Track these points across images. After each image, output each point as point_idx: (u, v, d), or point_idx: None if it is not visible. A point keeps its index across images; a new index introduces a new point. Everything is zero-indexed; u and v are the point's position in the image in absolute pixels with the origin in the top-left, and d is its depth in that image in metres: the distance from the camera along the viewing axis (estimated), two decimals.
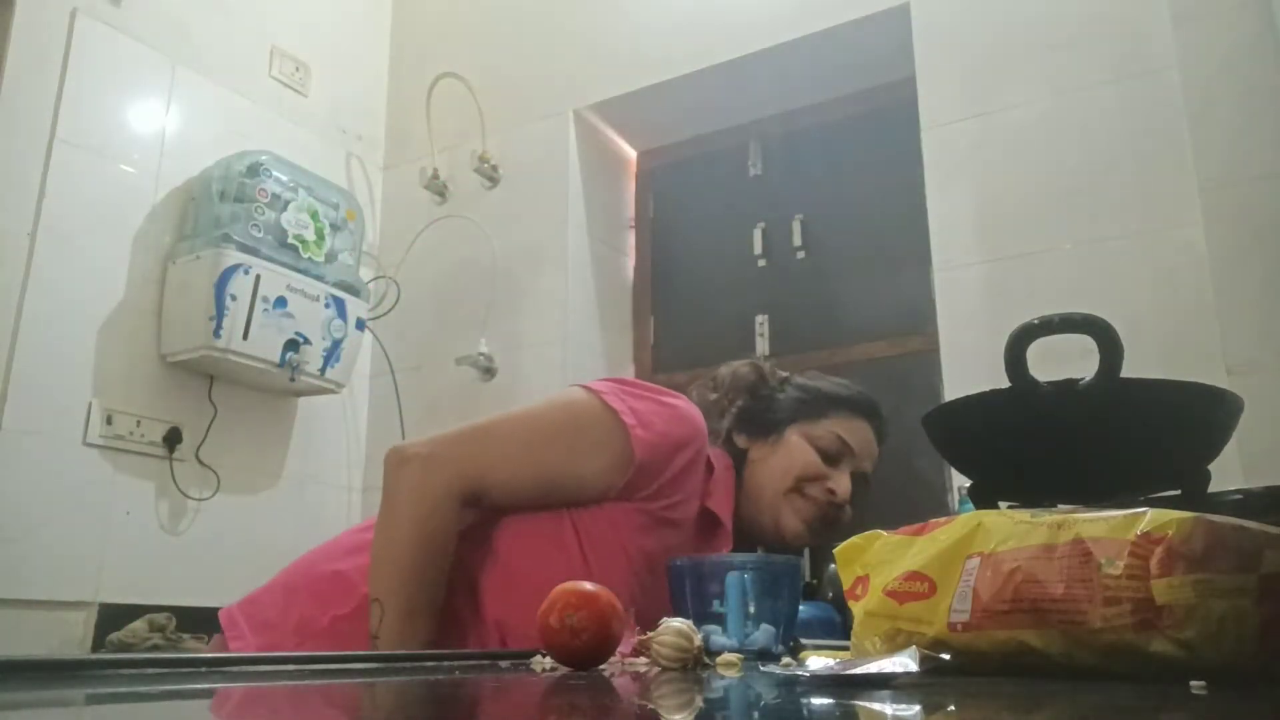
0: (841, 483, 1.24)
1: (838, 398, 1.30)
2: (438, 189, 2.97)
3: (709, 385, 1.37)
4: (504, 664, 0.85)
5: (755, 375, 1.34)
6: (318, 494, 2.76)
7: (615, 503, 1.13)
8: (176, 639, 2.11)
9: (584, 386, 1.18)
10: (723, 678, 0.70)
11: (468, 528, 1.12)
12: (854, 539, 0.74)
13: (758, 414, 1.30)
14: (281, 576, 1.22)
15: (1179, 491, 0.76)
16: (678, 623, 0.78)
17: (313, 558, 1.24)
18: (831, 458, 1.25)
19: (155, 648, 2.05)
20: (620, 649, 0.77)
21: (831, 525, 1.26)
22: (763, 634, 0.90)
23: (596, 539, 1.13)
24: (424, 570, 1.06)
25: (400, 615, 1.02)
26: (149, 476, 2.32)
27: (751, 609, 0.91)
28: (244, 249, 2.33)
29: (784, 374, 1.37)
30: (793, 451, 1.25)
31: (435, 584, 1.07)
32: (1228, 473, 1.43)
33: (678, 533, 1.18)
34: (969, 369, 2.01)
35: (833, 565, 1.16)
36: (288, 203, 2.46)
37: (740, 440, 1.29)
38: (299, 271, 2.46)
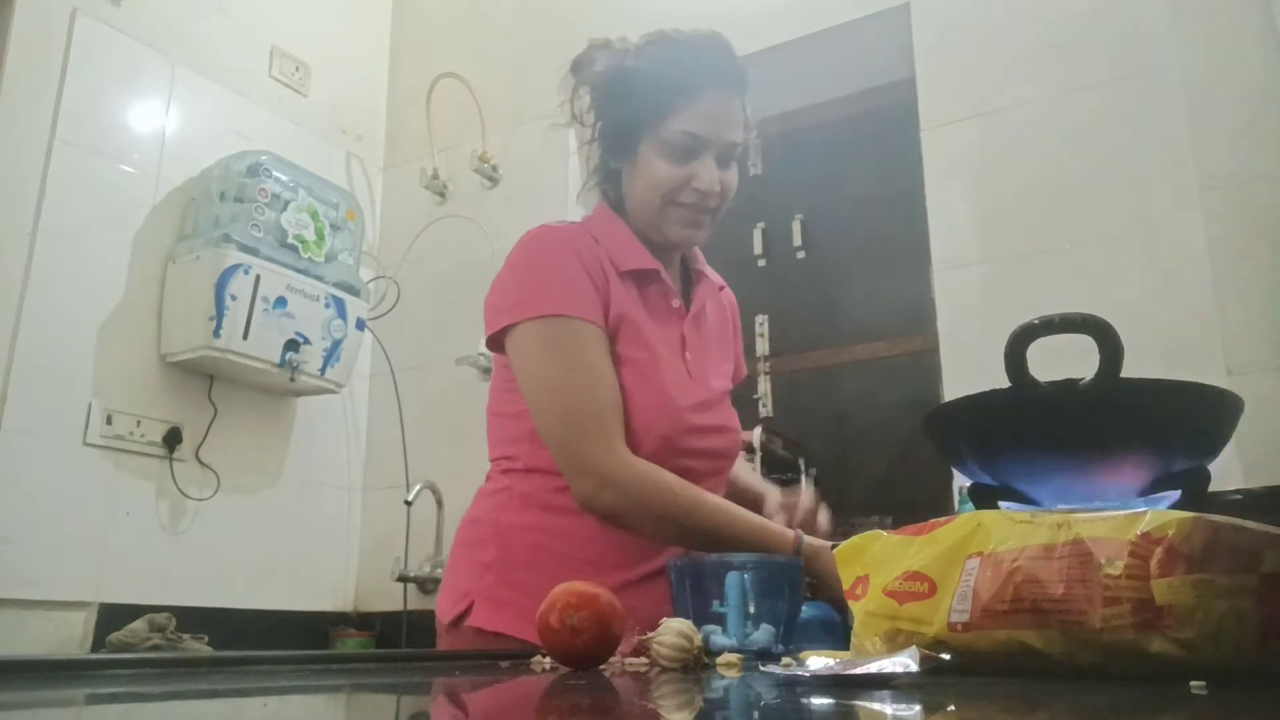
0: (705, 175, 1.20)
1: (675, 85, 1.20)
2: (438, 189, 2.97)
3: (574, 119, 1.30)
4: (504, 664, 0.85)
5: (601, 85, 1.26)
6: (318, 494, 2.76)
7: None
8: (176, 639, 2.11)
9: (510, 327, 1.19)
10: (723, 678, 0.70)
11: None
12: (854, 539, 0.74)
13: (611, 134, 1.25)
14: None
15: (1179, 491, 0.76)
16: (678, 623, 0.77)
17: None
18: (689, 154, 1.19)
19: (155, 648, 2.05)
20: (620, 649, 0.77)
21: (718, 210, 1.25)
22: (763, 634, 0.90)
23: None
24: (691, 506, 1.14)
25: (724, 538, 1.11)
26: (149, 476, 2.32)
27: (751, 609, 0.91)
28: (244, 249, 2.33)
29: (627, 46, 1.27)
30: (649, 171, 1.21)
31: (699, 501, 1.14)
32: (1228, 473, 1.44)
33: (640, 304, 1.24)
34: (969, 369, 2.02)
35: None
36: (288, 203, 2.46)
37: (612, 162, 1.27)
38: (299, 271, 2.46)
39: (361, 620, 2.74)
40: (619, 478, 1.13)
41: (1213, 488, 0.76)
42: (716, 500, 1.16)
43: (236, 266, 2.30)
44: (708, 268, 1.39)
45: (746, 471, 1.46)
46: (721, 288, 1.41)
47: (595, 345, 1.16)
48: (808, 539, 1.13)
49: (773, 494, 1.31)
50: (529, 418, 1.19)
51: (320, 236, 2.54)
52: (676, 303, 1.29)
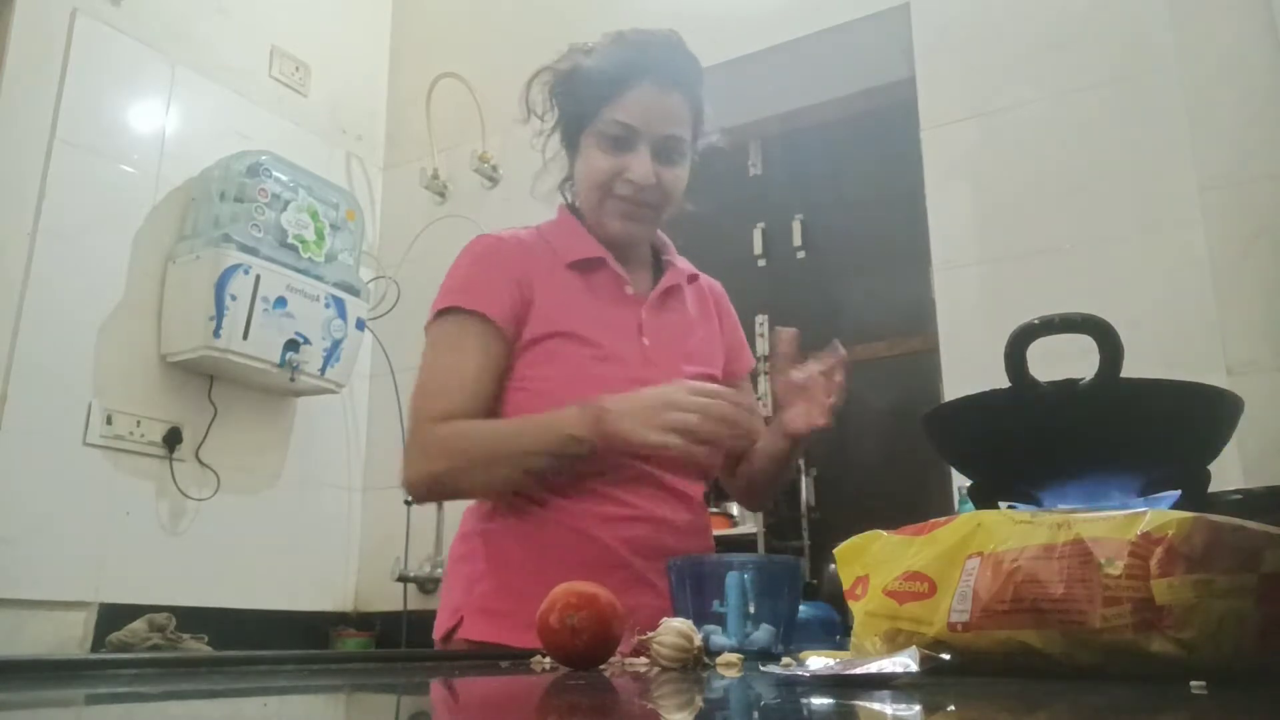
0: (638, 168, 1.20)
1: (605, 78, 1.22)
2: (438, 189, 2.97)
3: (530, 113, 1.32)
4: (504, 664, 0.85)
5: (558, 83, 1.28)
6: (317, 494, 2.76)
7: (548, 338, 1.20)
8: (176, 639, 2.11)
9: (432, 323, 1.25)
10: (723, 678, 0.70)
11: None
12: (854, 539, 0.74)
13: (563, 128, 1.29)
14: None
15: (1179, 491, 0.76)
16: (678, 623, 0.77)
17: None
18: (623, 145, 1.20)
19: (155, 648, 2.05)
20: (620, 649, 0.77)
21: (658, 206, 1.25)
22: (763, 634, 0.90)
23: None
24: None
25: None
26: (149, 476, 2.32)
27: (751, 609, 0.91)
28: (244, 249, 2.33)
29: (591, 47, 1.28)
30: (586, 161, 1.24)
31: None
32: (1228, 473, 1.43)
33: (589, 294, 1.25)
34: (969, 369, 2.02)
35: (833, 565, 1.15)
36: (288, 203, 2.46)
37: (567, 157, 1.30)
38: (299, 271, 2.46)
39: (361, 620, 2.74)
40: (422, 444, 1.15)
41: (1213, 488, 0.76)
42: (509, 420, 1.16)
43: (236, 266, 2.30)
44: (678, 258, 1.39)
45: None
46: (694, 277, 1.39)
47: (471, 337, 1.19)
48: (601, 401, 1.11)
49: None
50: None
51: (320, 236, 2.54)
52: (631, 290, 1.28)
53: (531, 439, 1.12)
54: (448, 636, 1.19)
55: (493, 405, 1.20)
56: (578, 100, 1.25)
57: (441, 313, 1.22)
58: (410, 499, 1.21)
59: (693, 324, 1.34)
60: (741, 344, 1.44)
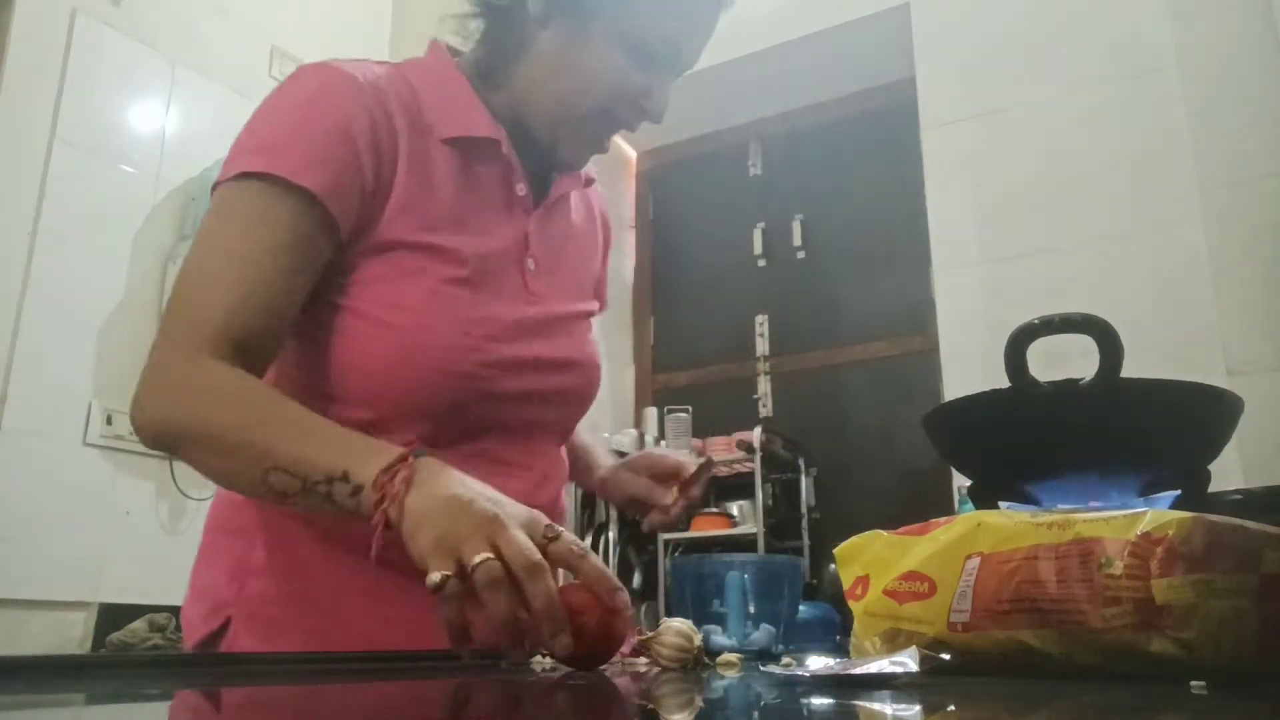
0: (659, 95, 0.89)
1: None
2: None
3: None
4: (504, 664, 0.85)
5: None
6: None
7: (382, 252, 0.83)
8: (176, 639, 2.11)
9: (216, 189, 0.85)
10: (723, 678, 0.70)
11: None
12: (854, 539, 0.74)
13: None
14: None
15: (1179, 491, 0.76)
16: (678, 623, 0.78)
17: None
18: (659, 64, 0.88)
19: (155, 648, 2.05)
20: (620, 649, 0.78)
21: (626, 130, 0.93)
22: (763, 634, 0.91)
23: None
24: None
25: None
26: (149, 476, 2.32)
27: (751, 609, 0.91)
28: None
29: None
30: (597, 56, 0.85)
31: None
32: (1228, 473, 1.43)
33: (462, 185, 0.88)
34: (969, 369, 2.02)
35: (833, 565, 1.15)
36: None
37: (544, 16, 0.86)
38: None
39: None
40: (173, 380, 0.75)
41: (1213, 488, 0.76)
42: (299, 410, 0.74)
43: None
44: None
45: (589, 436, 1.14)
46: (590, 181, 1.04)
47: (286, 224, 0.78)
48: (428, 461, 0.68)
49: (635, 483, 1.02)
50: (294, 367, 0.85)
51: None
52: (522, 190, 0.91)
53: (298, 448, 0.71)
54: (209, 643, 0.85)
55: (286, 327, 0.80)
56: None
57: (239, 178, 0.82)
58: (144, 440, 0.77)
59: (579, 242, 1.02)
60: (605, 277, 1.11)
